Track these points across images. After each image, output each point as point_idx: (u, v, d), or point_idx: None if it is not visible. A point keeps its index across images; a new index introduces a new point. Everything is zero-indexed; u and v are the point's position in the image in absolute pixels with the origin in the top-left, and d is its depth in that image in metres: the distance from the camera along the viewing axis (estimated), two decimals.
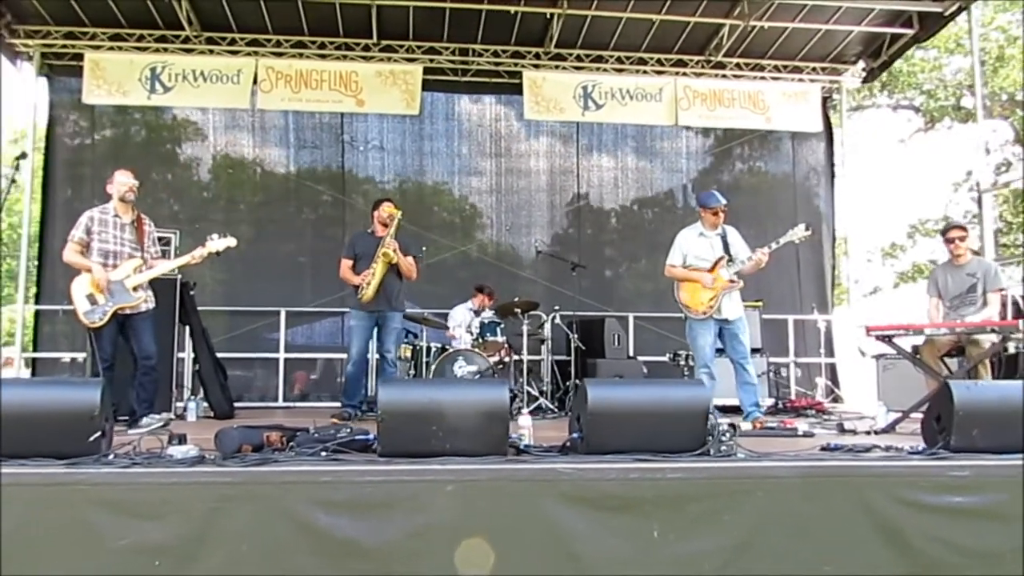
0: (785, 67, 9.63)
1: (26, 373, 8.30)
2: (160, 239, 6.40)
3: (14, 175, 4.77)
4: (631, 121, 9.47)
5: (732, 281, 5.73)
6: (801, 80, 9.66)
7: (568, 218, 9.55)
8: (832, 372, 9.56)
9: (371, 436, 3.51)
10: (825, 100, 9.98)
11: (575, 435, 3.63)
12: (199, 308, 8.12)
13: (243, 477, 3.05)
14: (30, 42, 8.65)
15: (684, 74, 9.43)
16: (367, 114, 9.18)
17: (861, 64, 9.71)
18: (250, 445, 3.57)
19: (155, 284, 6.08)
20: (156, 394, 5.29)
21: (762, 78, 9.59)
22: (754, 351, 7.61)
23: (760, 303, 8.01)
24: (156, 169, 9.07)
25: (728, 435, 3.62)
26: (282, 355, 8.61)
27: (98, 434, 3.26)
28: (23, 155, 4.92)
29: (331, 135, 9.28)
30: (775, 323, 9.19)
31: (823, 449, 3.97)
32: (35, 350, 8.42)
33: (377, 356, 6.22)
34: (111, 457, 3.24)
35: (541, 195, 9.54)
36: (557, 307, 7.88)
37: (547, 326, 8.25)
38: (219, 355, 8.41)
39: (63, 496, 2.97)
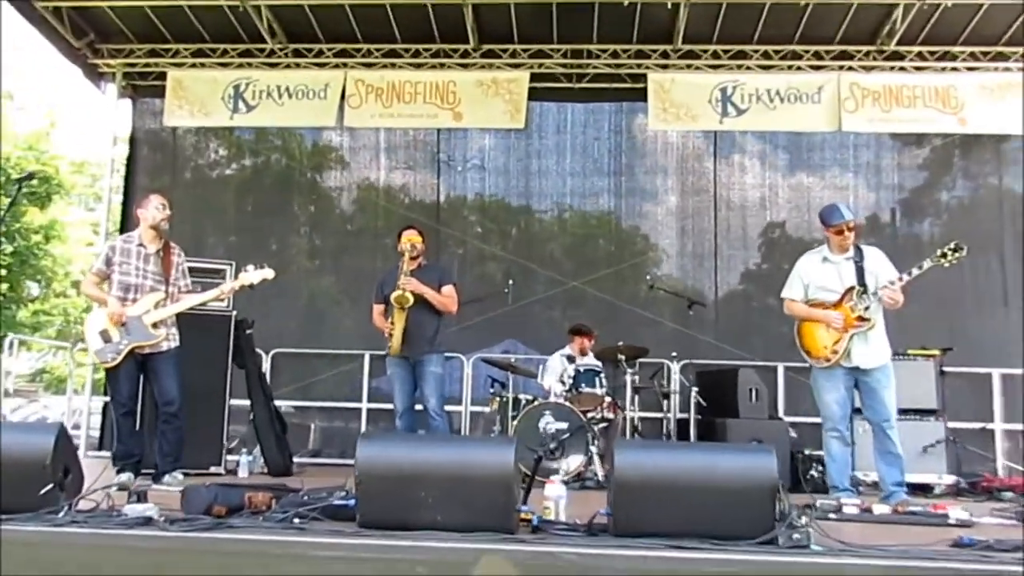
0: (984, 54, 8.84)
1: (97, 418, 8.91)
2: (213, 271, 6.74)
3: (17, 194, 5.12)
4: (782, 128, 9.02)
5: (861, 320, 5.20)
6: (1007, 69, 8.83)
7: (702, 246, 9.16)
8: None
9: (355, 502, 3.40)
10: None
11: (604, 512, 3.36)
12: (277, 350, 8.63)
13: (182, 543, 3.03)
14: (112, 61, 9.44)
15: (850, 68, 8.88)
16: (466, 129, 9.32)
17: None
18: (225, 506, 3.56)
19: (206, 322, 6.46)
20: (181, 446, 5.45)
21: (953, 69, 8.86)
22: (929, 412, 7.05)
23: (937, 352, 7.27)
24: (234, 196, 9.71)
25: (804, 520, 3.23)
26: (364, 405, 8.76)
27: (50, 486, 3.35)
28: (30, 176, 5.30)
29: (426, 154, 9.50)
30: (975, 377, 8.33)
31: (954, 545, 3.45)
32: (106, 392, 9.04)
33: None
34: (61, 514, 3.31)
35: (670, 219, 9.26)
36: (675, 353, 7.55)
37: (673, 378, 7.94)
38: (296, 403, 8.83)
39: None
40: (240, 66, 9.33)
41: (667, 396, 7.64)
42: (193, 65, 9.39)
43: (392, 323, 5.90)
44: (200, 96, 9.25)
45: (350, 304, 9.34)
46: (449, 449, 3.36)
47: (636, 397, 7.24)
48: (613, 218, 9.39)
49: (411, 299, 5.81)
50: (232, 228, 9.62)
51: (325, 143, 9.75)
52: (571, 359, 7.31)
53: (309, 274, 9.56)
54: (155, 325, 5.39)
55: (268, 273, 5.59)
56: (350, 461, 8.36)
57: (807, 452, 6.92)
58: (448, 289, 6.14)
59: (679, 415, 7.82)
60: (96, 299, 5.46)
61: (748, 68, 8.95)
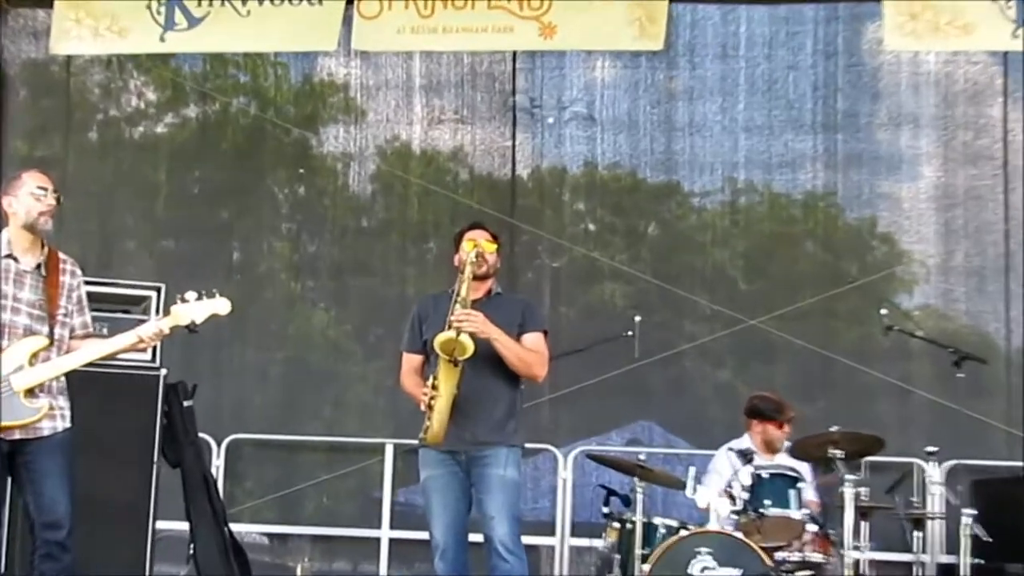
0: None
1: None
2: (130, 301, 6.91)
3: None
4: None
5: None
6: None
7: (984, 255, 9.08)
8: None
9: None
10: None
11: None
12: (237, 436, 8.77)
13: None
14: None
15: None
16: (562, 53, 9.44)
17: None
18: None
19: (117, 387, 6.62)
20: None
21: None
22: None
23: None
24: (169, 171, 9.99)
25: None
26: (385, 532, 8.84)
27: None
28: None
29: (492, 96, 9.64)
30: None
31: None
32: None
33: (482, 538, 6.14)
34: None
35: (926, 208, 9.21)
36: (933, 448, 7.46)
37: (931, 491, 7.85)
38: (269, 528, 9.01)
39: None
40: None
41: (919, 524, 7.55)
42: None
43: (434, 386, 5.91)
44: (110, 5, 9.48)
45: (364, 356, 9.58)
46: None
47: (864, 525, 7.12)
48: (824, 206, 9.43)
49: (470, 348, 5.75)
50: (164, 226, 9.92)
51: (322, 80, 9.99)
52: (747, 456, 7.27)
53: (294, 304, 9.83)
54: (31, 392, 5.48)
55: (220, 305, 5.63)
56: None
57: None
58: (534, 339, 6.12)
59: (942, 558, 7.74)
60: None
61: None
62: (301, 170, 9.95)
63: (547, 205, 9.62)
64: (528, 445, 6.54)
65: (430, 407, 5.82)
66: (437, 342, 5.70)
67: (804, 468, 7.17)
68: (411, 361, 6.31)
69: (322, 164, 9.95)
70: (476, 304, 5.95)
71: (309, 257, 9.84)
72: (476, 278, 5.99)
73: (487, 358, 5.89)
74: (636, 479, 7.13)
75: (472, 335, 5.70)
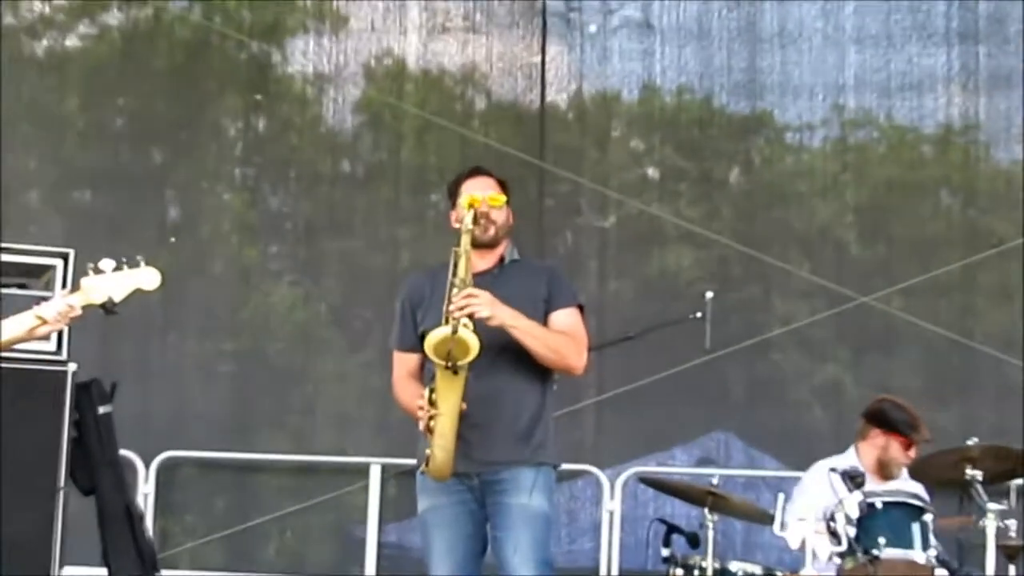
0: None
1: None
2: (29, 272, 6.94)
3: None
4: None
5: None
6: None
7: None
8: None
9: None
10: None
11: None
12: (172, 453, 8.81)
13: None
14: None
15: None
16: None
17: None
18: None
19: (14, 386, 6.59)
20: None
21: None
22: None
23: None
24: (84, 98, 10.03)
25: None
26: None
27: None
28: None
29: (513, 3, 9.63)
30: None
31: None
32: None
33: None
34: None
35: None
36: None
37: None
38: None
39: None
40: None
41: None
42: None
43: (432, 402, 5.79)
44: None
45: (344, 346, 9.61)
46: None
47: (1012, 568, 7.14)
48: (962, 143, 9.45)
49: (473, 348, 5.60)
50: (76, 172, 9.89)
51: None
52: (856, 479, 7.26)
53: (249, 277, 9.87)
54: None
55: (147, 277, 5.60)
56: None
57: None
58: (566, 318, 5.99)
59: None
60: None
61: None
62: (259, 96, 9.89)
63: (590, 143, 9.59)
64: (563, 466, 6.47)
65: (430, 429, 5.70)
66: (429, 344, 5.45)
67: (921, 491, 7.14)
68: (405, 363, 6.06)
69: (288, 89, 9.91)
70: (482, 277, 5.73)
71: (270, 214, 9.83)
72: (481, 246, 5.79)
73: (501, 348, 5.72)
74: (707, 510, 7.14)
75: (478, 324, 5.46)
